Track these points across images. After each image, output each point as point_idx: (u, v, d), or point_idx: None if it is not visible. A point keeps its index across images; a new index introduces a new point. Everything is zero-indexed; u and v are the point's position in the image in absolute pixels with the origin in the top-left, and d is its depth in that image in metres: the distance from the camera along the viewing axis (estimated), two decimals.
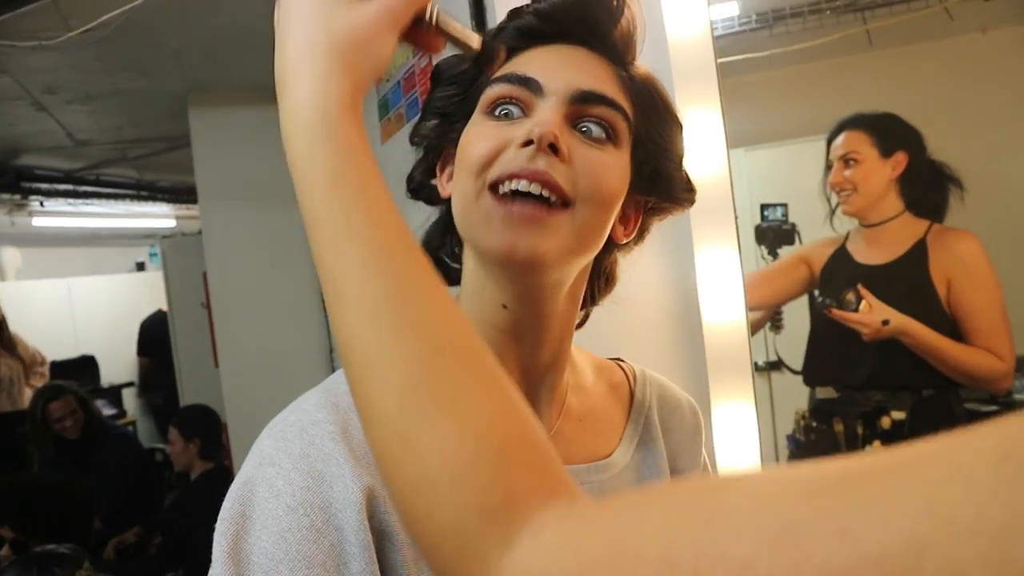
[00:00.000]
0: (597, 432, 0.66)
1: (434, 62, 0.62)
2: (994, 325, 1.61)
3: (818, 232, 1.99)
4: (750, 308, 1.91)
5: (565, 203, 0.54)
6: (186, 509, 2.89)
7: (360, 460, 0.51)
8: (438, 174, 0.63)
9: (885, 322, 1.63)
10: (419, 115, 0.64)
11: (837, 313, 1.68)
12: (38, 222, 4.98)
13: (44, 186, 4.22)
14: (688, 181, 0.66)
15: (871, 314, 1.64)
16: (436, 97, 0.62)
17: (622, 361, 0.75)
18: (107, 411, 5.39)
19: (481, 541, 0.34)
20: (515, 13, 0.61)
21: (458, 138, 0.59)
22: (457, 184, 0.57)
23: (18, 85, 2.60)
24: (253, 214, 2.96)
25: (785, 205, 2.54)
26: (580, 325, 0.68)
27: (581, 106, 0.56)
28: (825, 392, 1.87)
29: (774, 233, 2.15)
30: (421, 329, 0.39)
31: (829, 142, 1.81)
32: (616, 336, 1.13)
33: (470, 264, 0.59)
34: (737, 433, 1.17)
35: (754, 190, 2.67)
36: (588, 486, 0.62)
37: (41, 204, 4.47)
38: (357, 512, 0.48)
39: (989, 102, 2.60)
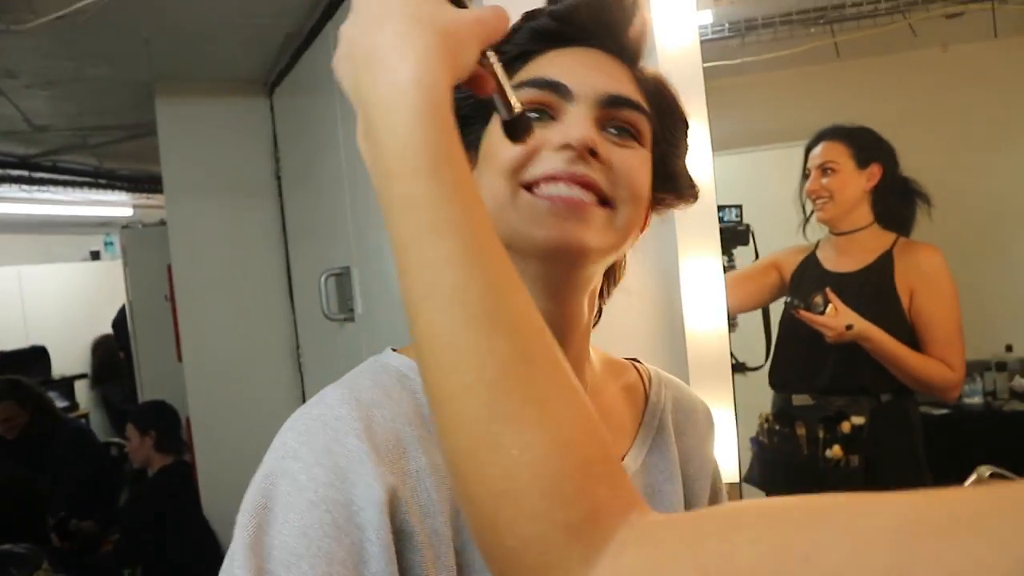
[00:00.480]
0: (614, 436, 0.66)
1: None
2: (949, 337, 1.70)
3: (777, 237, 2.05)
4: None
5: (604, 202, 0.56)
6: (144, 505, 2.84)
7: (383, 458, 0.51)
8: None
9: (849, 327, 1.69)
10: None
11: (804, 314, 1.75)
12: None
13: None
14: (691, 178, 0.68)
15: (836, 318, 1.71)
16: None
17: (637, 361, 0.75)
18: (59, 403, 5.23)
19: (564, 556, 0.34)
20: (530, 15, 0.62)
21: (474, 141, 0.60)
22: (484, 185, 0.57)
23: None
24: (220, 207, 2.91)
25: (740, 207, 2.60)
26: (595, 323, 0.68)
27: (609, 110, 0.58)
28: (785, 395, 1.92)
29: (729, 233, 2.19)
30: (515, 331, 0.38)
31: (807, 151, 1.87)
32: (599, 340, 1.15)
33: None
34: (719, 438, 1.19)
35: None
36: None
37: None
38: (379, 512, 0.48)
39: (950, 114, 2.70)
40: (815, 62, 2.75)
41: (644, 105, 0.60)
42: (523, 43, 0.61)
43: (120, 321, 5.38)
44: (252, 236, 2.96)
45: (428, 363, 0.39)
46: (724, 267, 2.09)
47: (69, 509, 3.02)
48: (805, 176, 1.87)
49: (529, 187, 0.55)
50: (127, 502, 3.14)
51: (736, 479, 1.24)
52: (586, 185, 0.54)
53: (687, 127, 0.67)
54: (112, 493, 3.40)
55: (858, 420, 1.74)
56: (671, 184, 0.65)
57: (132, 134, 3.62)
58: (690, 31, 1.19)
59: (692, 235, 1.20)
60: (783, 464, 1.94)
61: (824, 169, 1.80)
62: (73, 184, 4.46)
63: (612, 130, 0.58)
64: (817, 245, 1.91)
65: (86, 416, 5.40)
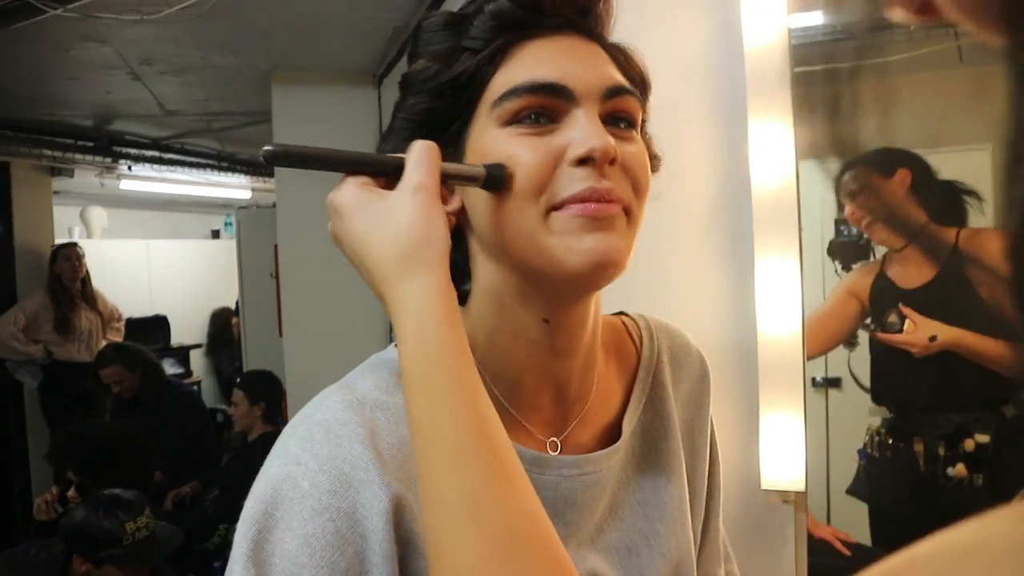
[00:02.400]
0: (607, 409, 0.64)
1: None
2: None
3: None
4: (809, 358, 1.91)
5: (625, 209, 0.53)
6: (243, 467, 3.00)
7: (388, 465, 0.50)
8: None
9: (932, 338, 1.61)
10: (388, 127, 0.60)
11: (883, 336, 1.68)
12: (125, 185, 5.21)
13: (133, 151, 4.43)
14: (652, 145, 0.63)
15: (916, 332, 1.63)
16: (416, 106, 0.57)
17: (623, 315, 0.72)
18: (175, 370, 5.63)
19: None
20: None
21: (449, 148, 0.56)
22: (504, 207, 0.53)
23: (117, 55, 2.74)
24: (325, 191, 3.03)
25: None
26: None
27: (610, 103, 0.54)
28: (892, 412, 1.85)
29: (847, 248, 2.12)
30: (486, 527, 0.42)
31: (836, 186, 1.83)
32: None
33: (500, 280, 0.56)
34: (784, 446, 1.17)
35: (827, 201, 2.61)
36: (606, 471, 0.60)
37: (129, 168, 4.68)
38: (384, 521, 0.47)
39: None
40: (935, 68, 2.60)
41: (634, 88, 0.57)
42: (488, 37, 0.55)
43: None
44: None
45: (429, 554, 0.45)
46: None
47: (171, 470, 3.24)
48: (840, 208, 1.82)
49: (556, 208, 0.52)
50: (227, 463, 3.33)
51: (802, 488, 1.20)
52: (614, 200, 0.52)
53: (649, 91, 0.62)
54: (214, 456, 3.62)
55: (982, 438, 1.66)
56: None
57: (251, 120, 3.84)
58: (779, 28, 1.16)
59: (770, 236, 1.17)
60: (895, 479, 1.87)
61: (853, 194, 1.74)
62: (198, 166, 4.77)
63: (614, 123, 0.55)
64: (885, 260, 1.83)
65: (198, 383, 5.76)
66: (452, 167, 0.53)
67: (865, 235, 2.25)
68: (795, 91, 1.20)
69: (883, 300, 1.81)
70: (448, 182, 0.53)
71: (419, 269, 0.48)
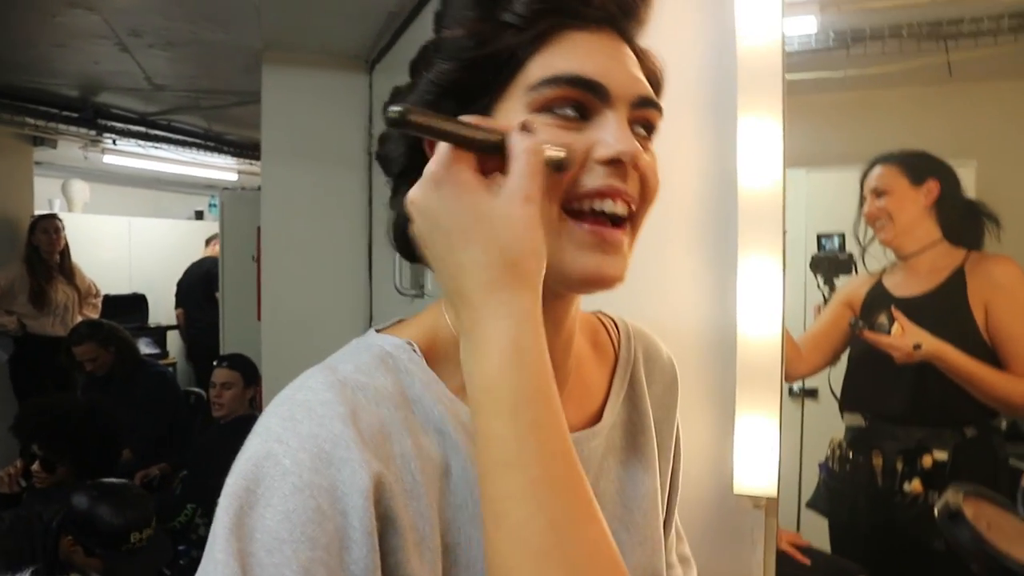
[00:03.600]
0: (587, 397, 0.67)
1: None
2: None
3: (875, 261, 1.97)
4: (805, 375, 1.91)
5: (632, 218, 0.56)
6: (215, 449, 2.97)
7: (368, 444, 0.50)
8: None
9: (917, 346, 1.61)
10: (410, 85, 0.59)
11: (869, 336, 1.68)
12: (109, 160, 5.15)
13: (119, 125, 4.36)
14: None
15: (903, 337, 1.63)
16: (447, 73, 0.56)
17: (602, 314, 0.75)
18: (151, 350, 5.57)
19: None
20: None
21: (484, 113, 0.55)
22: None
23: (105, 24, 2.69)
24: (312, 175, 3.02)
25: (842, 235, 2.50)
26: None
27: (639, 111, 0.56)
28: (858, 420, 1.85)
29: (829, 263, 2.13)
30: (566, 568, 0.41)
31: (862, 178, 1.83)
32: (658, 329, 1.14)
33: None
34: (758, 451, 1.16)
35: (811, 215, 2.62)
36: (584, 453, 0.62)
37: (114, 142, 4.62)
38: (364, 498, 0.48)
39: None
40: (925, 82, 2.61)
41: (659, 101, 0.58)
42: (531, 17, 0.54)
43: (183, 281, 5.65)
44: (339, 207, 3.06)
45: None
46: (825, 297, 2.05)
47: (141, 450, 3.20)
48: (862, 203, 1.82)
49: (573, 203, 0.53)
50: (199, 445, 3.29)
51: (773, 494, 1.20)
52: (628, 201, 0.54)
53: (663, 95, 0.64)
54: (186, 438, 3.58)
55: (940, 455, 1.66)
56: None
57: (240, 100, 3.80)
58: (774, 30, 1.15)
59: (754, 237, 1.16)
60: (853, 493, 1.88)
61: (879, 193, 1.75)
62: (184, 144, 4.71)
63: (637, 131, 0.56)
64: (883, 272, 1.83)
65: (174, 364, 5.70)
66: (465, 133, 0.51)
67: (848, 250, 2.26)
68: (787, 98, 1.20)
69: (875, 305, 1.81)
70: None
71: (523, 284, 0.47)
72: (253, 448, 0.50)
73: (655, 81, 0.61)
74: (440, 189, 0.49)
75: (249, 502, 0.47)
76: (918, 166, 1.74)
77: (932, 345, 1.61)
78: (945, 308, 1.67)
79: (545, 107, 0.53)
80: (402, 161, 0.59)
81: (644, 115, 0.57)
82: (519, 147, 0.50)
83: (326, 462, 0.48)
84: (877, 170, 1.79)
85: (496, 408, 0.45)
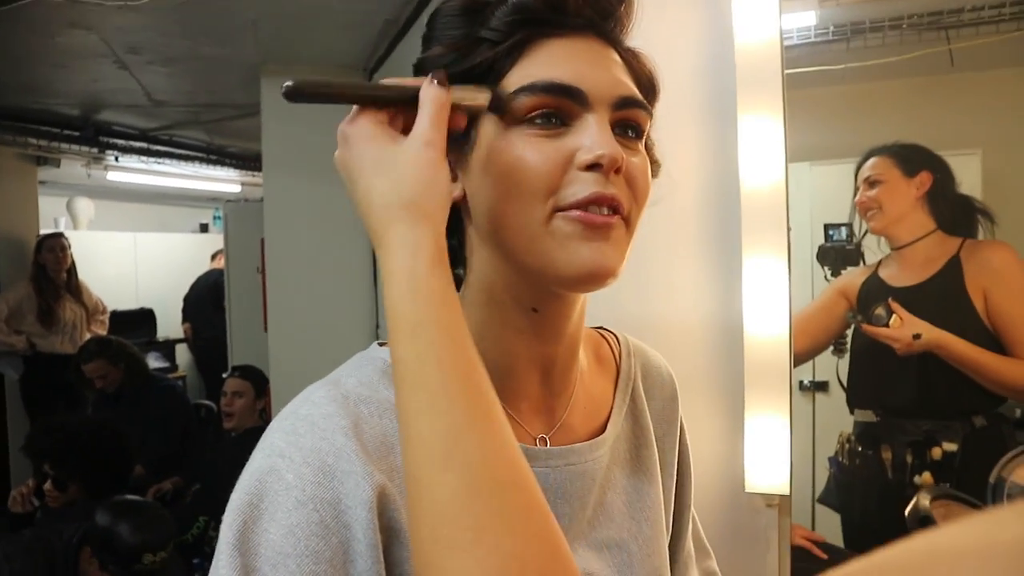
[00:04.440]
0: (593, 409, 0.67)
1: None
2: None
3: (872, 254, 1.96)
4: (796, 360, 1.90)
5: (623, 218, 0.55)
6: (227, 462, 2.97)
7: (371, 456, 0.51)
8: None
9: (916, 336, 1.60)
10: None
11: (868, 328, 1.68)
12: (112, 176, 5.16)
13: (120, 142, 4.38)
14: (654, 151, 0.64)
15: (902, 328, 1.62)
16: None
17: (604, 329, 0.75)
18: (160, 364, 5.58)
19: None
20: None
21: (457, 137, 0.56)
22: (510, 206, 0.54)
23: (104, 43, 2.70)
24: (313, 186, 3.02)
25: (849, 225, 2.49)
26: None
27: (621, 112, 0.55)
28: (868, 416, 1.84)
29: (836, 253, 2.12)
30: (463, 468, 0.43)
31: (856, 169, 1.84)
32: (651, 337, 1.13)
33: (493, 271, 0.58)
34: (769, 449, 1.15)
35: (816, 206, 2.61)
36: (592, 463, 0.63)
37: (116, 159, 4.64)
38: (367, 511, 0.48)
39: None
40: (927, 72, 2.59)
41: (645, 101, 0.58)
42: (508, 30, 0.55)
43: (190, 295, 5.67)
44: (342, 215, 3.05)
45: (408, 496, 0.45)
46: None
47: (153, 465, 3.20)
48: (855, 194, 1.82)
49: (563, 210, 0.53)
50: (211, 457, 3.30)
51: (786, 492, 1.19)
52: (616, 206, 0.53)
53: (658, 95, 0.63)
54: (197, 452, 3.58)
55: (950, 447, 1.65)
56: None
57: (241, 113, 3.81)
58: (771, 26, 1.14)
59: (758, 236, 1.15)
60: (864, 487, 1.87)
61: (871, 182, 1.75)
62: (186, 158, 4.73)
63: (621, 131, 0.56)
64: (879, 263, 1.82)
65: (183, 378, 5.71)
66: (459, 92, 0.54)
67: (855, 239, 2.25)
68: (788, 93, 1.19)
69: (871, 296, 1.80)
70: (456, 111, 0.54)
71: (419, 217, 0.49)
72: (257, 463, 0.50)
73: (646, 82, 0.61)
74: (347, 142, 0.53)
75: (253, 517, 0.47)
76: (911, 158, 1.74)
77: (932, 334, 1.60)
78: (943, 296, 1.66)
79: (524, 118, 0.54)
80: None
81: (628, 116, 0.56)
82: (425, 96, 0.52)
83: (329, 475, 0.49)
84: (871, 161, 1.79)
85: (398, 333, 0.47)
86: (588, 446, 0.63)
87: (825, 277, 2.06)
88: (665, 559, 0.68)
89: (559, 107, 0.54)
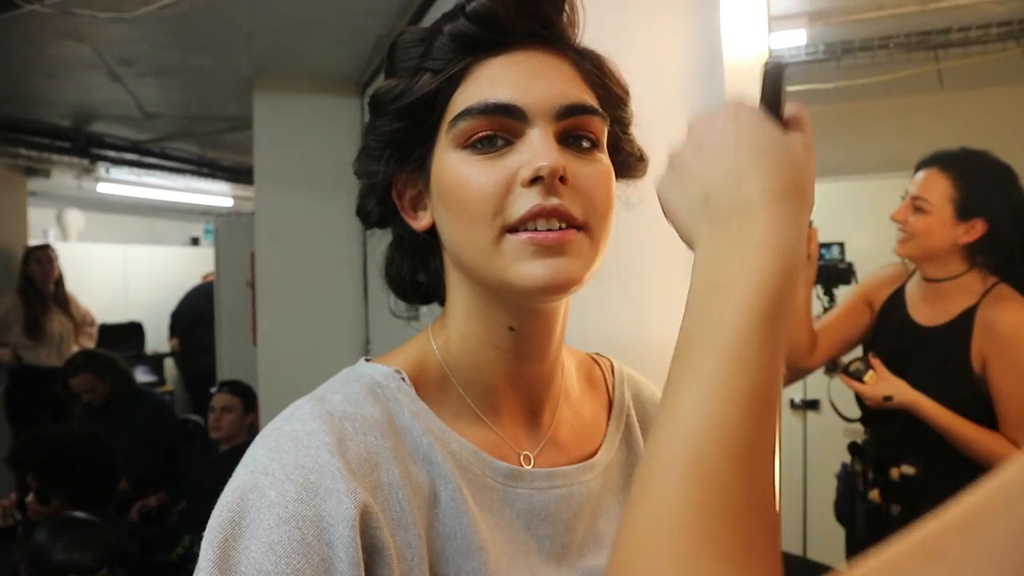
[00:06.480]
0: (583, 432, 0.67)
1: None
2: (1021, 416, 1.49)
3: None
4: (818, 365, 1.90)
5: (580, 227, 0.54)
6: (213, 478, 2.93)
7: (355, 473, 0.50)
8: (401, 207, 0.61)
9: (887, 398, 1.59)
10: (362, 146, 0.62)
11: (843, 379, 1.68)
12: (103, 188, 5.14)
13: (112, 154, 4.36)
14: (640, 151, 0.65)
15: (875, 386, 1.61)
16: (383, 128, 0.59)
17: (598, 356, 0.75)
18: (148, 378, 5.54)
19: None
20: (449, 16, 0.57)
21: (416, 168, 0.58)
22: (462, 230, 0.55)
23: (96, 54, 2.69)
24: (305, 199, 3.01)
25: (842, 244, 2.50)
26: None
27: (566, 121, 0.55)
28: (858, 433, 1.86)
29: (829, 272, 2.13)
30: (764, 455, 0.41)
31: (916, 170, 1.70)
32: (636, 349, 1.12)
33: (468, 292, 0.59)
34: None
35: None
36: (579, 486, 0.62)
37: (107, 171, 4.62)
38: (349, 528, 0.47)
39: None
40: (916, 91, 2.62)
41: (597, 106, 0.57)
42: (449, 58, 0.56)
43: (179, 310, 5.62)
44: (333, 230, 3.05)
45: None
46: (824, 307, 2.04)
47: (138, 481, 3.16)
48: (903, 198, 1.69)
49: (512, 229, 0.53)
50: (197, 474, 3.27)
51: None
52: (562, 216, 0.52)
53: (628, 96, 0.63)
54: (184, 467, 3.55)
55: (908, 469, 1.64)
56: (624, 167, 0.64)
57: (233, 126, 3.80)
58: (760, 44, 1.15)
59: None
60: (845, 499, 1.90)
61: (916, 207, 1.62)
62: (178, 171, 4.71)
63: (573, 142, 0.55)
64: (910, 276, 1.78)
65: (171, 392, 5.67)
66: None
67: (847, 260, 2.25)
68: None
69: (887, 322, 1.75)
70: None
71: (805, 203, 0.47)
72: (240, 479, 0.50)
73: (610, 88, 0.60)
74: (739, 114, 0.49)
75: (234, 534, 0.47)
76: (971, 195, 1.58)
77: (906, 396, 1.58)
78: (948, 348, 1.61)
79: (465, 142, 0.54)
80: (377, 212, 0.62)
81: (576, 124, 0.55)
82: (801, 113, 0.51)
83: (312, 492, 0.48)
84: (924, 174, 1.64)
85: (738, 302, 0.43)
86: (576, 469, 0.63)
87: (817, 296, 2.06)
88: None
89: (500, 127, 0.54)
